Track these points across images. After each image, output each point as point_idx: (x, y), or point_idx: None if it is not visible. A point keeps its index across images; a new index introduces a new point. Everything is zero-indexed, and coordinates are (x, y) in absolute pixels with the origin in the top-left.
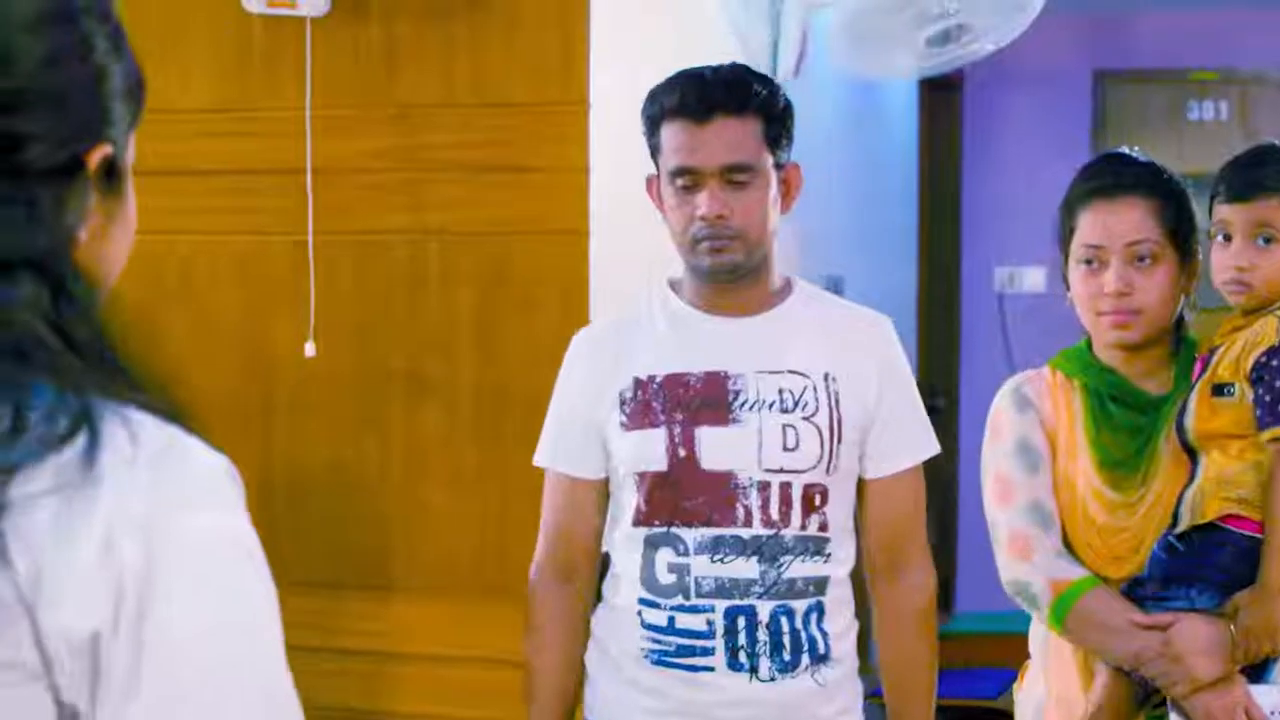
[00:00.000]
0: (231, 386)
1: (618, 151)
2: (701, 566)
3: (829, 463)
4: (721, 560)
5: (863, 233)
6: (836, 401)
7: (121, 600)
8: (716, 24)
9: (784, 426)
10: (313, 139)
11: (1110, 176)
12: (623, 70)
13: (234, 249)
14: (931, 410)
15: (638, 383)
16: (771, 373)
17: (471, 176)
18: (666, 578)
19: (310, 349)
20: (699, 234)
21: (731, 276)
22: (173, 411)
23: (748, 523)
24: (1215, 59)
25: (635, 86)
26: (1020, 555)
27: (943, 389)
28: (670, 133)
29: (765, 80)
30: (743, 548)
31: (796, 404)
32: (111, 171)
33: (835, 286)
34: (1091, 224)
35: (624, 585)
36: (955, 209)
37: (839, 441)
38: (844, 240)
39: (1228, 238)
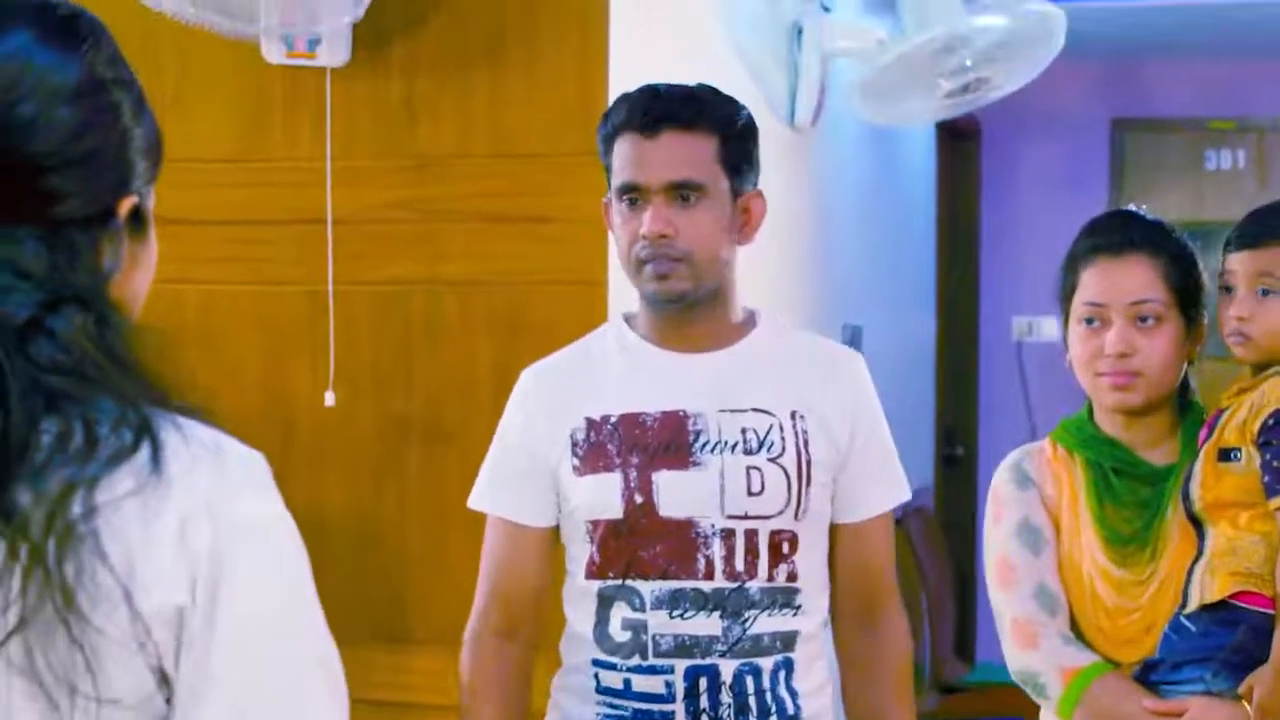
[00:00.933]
0: (250, 435)
1: None
2: (659, 623)
3: (797, 507)
4: (681, 616)
5: (881, 282)
6: (805, 442)
7: (196, 578)
8: (735, 73)
9: (748, 469)
10: (332, 189)
11: (1117, 233)
12: None
13: (252, 298)
14: (950, 459)
15: (590, 423)
16: (734, 411)
17: (490, 227)
18: (621, 635)
19: (330, 398)
20: (642, 254)
21: (680, 306)
22: (205, 415)
23: (709, 574)
24: (1232, 108)
25: None
26: (1027, 644)
27: (961, 438)
28: (619, 148)
29: (726, 99)
30: (704, 602)
31: (761, 444)
32: (137, 218)
33: (854, 335)
34: (1094, 281)
35: (578, 645)
36: (973, 258)
37: (808, 484)
38: (862, 289)
39: (1229, 289)
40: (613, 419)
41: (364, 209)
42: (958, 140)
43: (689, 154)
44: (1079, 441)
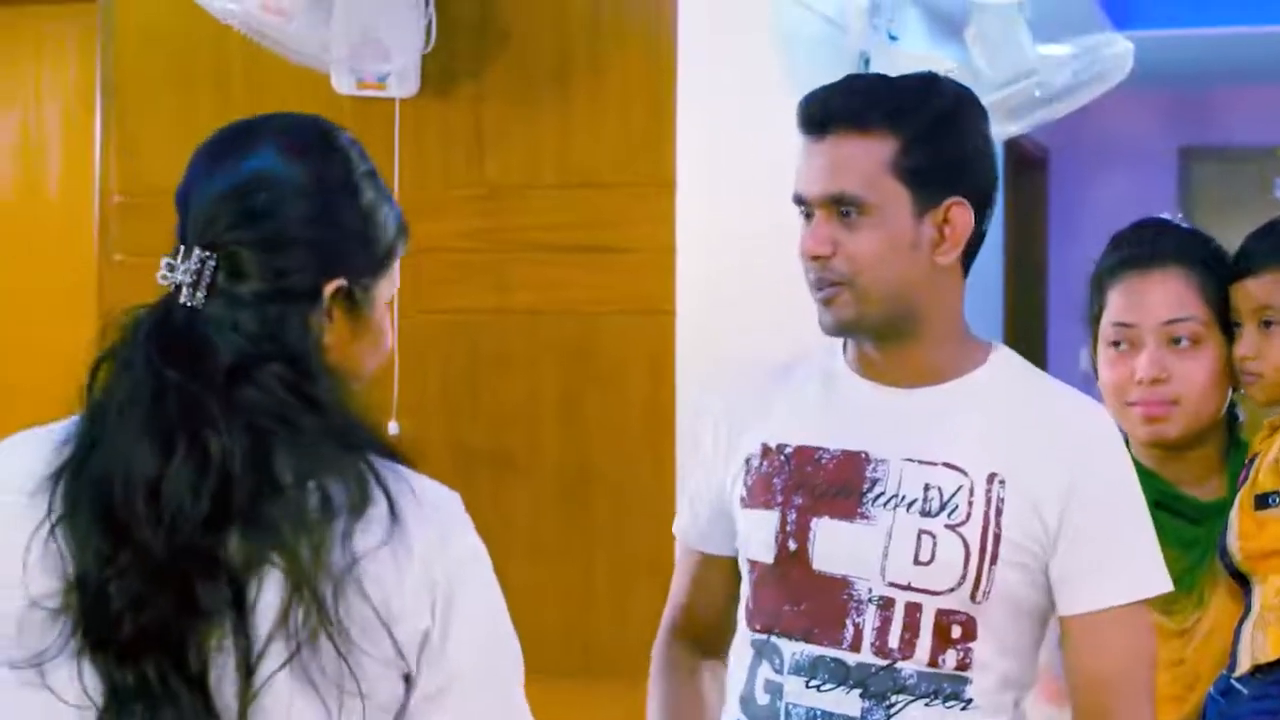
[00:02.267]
0: None
1: (704, 231)
2: (794, 691)
3: (975, 586)
4: (818, 687)
5: None
6: (998, 510)
7: (435, 605)
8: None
9: (920, 532)
10: None
11: (1144, 245)
12: (709, 151)
13: None
14: None
15: (765, 450)
16: (921, 463)
17: (558, 256)
18: (762, 698)
19: (394, 427)
20: (808, 275)
21: (852, 334)
22: (405, 458)
23: (855, 646)
24: None
25: (721, 167)
26: (1052, 697)
27: None
28: (798, 150)
29: (926, 91)
30: (844, 675)
31: (942, 507)
32: (350, 298)
33: None
34: (1122, 300)
35: (730, 698)
36: (1041, 288)
37: (992, 562)
38: None
39: (1237, 324)
40: (788, 449)
41: (432, 238)
42: (1025, 170)
43: (853, 161)
44: None
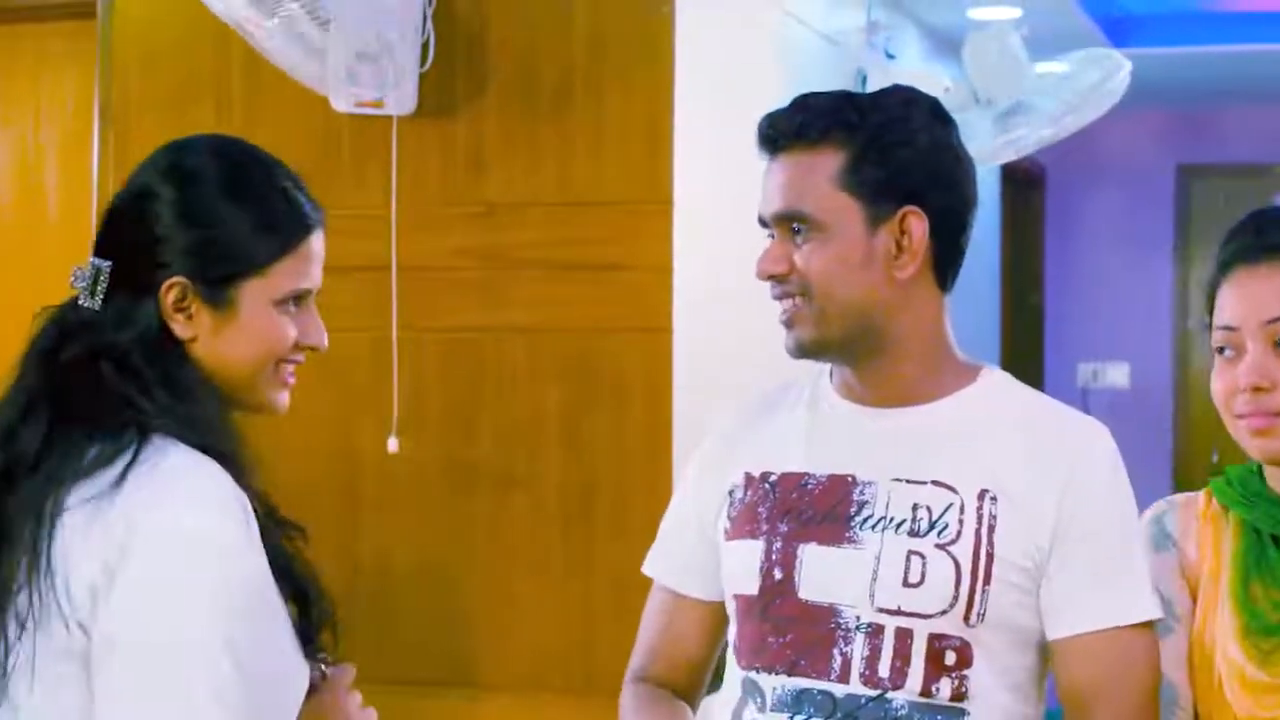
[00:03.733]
0: (315, 479)
1: (702, 250)
2: None
3: (968, 608)
4: None
5: None
6: (990, 528)
7: (108, 562)
8: None
9: (909, 554)
10: (398, 236)
11: (1253, 235)
12: (707, 170)
13: None
14: None
15: (749, 479)
16: (910, 482)
17: (556, 274)
18: None
19: (393, 444)
20: (771, 294)
21: (817, 356)
22: (223, 451)
23: (843, 677)
24: None
25: (719, 186)
26: None
27: None
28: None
29: (872, 100)
30: (831, 709)
31: (932, 526)
32: (198, 294)
33: None
34: (1228, 300)
35: None
36: (1038, 304)
37: (986, 582)
38: None
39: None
40: (773, 477)
41: (430, 256)
42: (1023, 186)
43: (801, 177)
44: (1238, 497)
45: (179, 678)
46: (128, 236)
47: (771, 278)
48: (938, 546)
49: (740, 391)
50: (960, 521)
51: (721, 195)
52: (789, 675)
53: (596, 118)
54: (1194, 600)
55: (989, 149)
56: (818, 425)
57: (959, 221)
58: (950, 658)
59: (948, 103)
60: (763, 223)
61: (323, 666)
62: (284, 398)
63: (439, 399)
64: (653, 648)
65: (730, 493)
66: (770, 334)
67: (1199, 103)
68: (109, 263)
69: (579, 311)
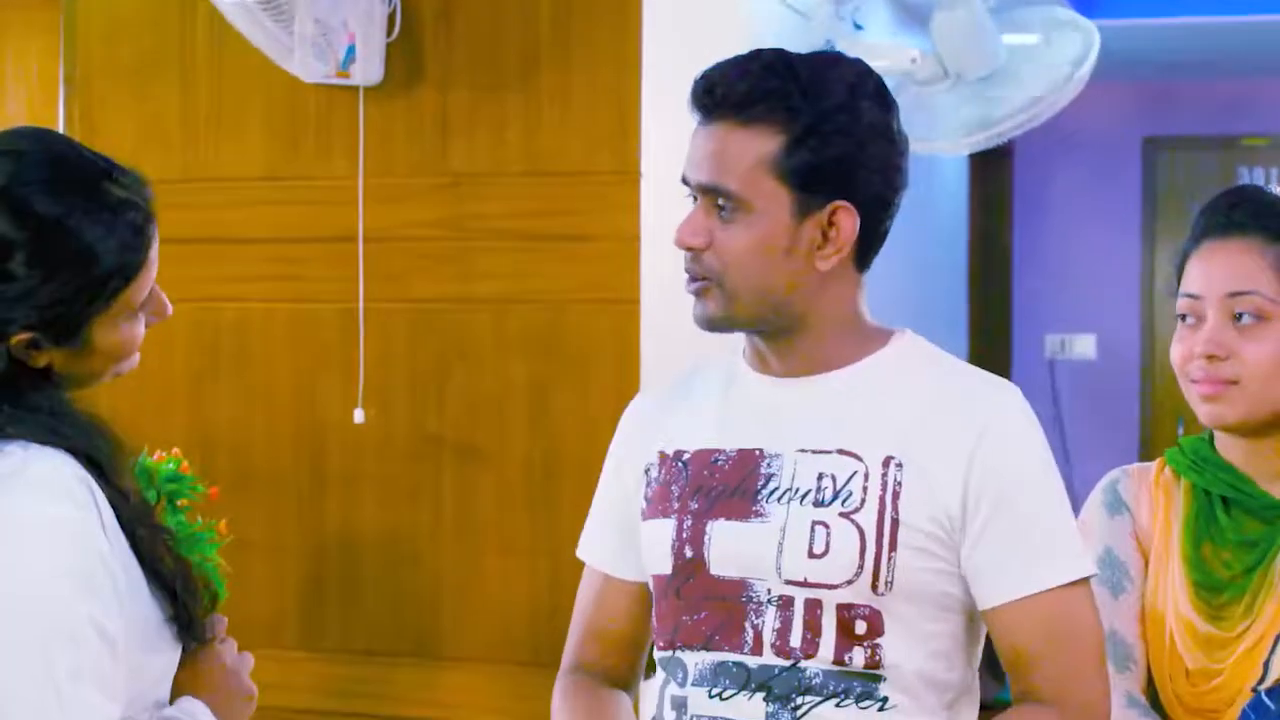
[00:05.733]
0: (282, 450)
1: (670, 221)
2: (698, 703)
3: (875, 577)
4: (719, 696)
5: (911, 300)
6: (895, 495)
7: None
8: None
9: (813, 524)
10: (365, 207)
11: (1220, 214)
12: (675, 140)
13: (286, 316)
14: None
15: (662, 458)
16: (815, 452)
17: (523, 245)
18: (669, 716)
19: (359, 415)
20: (684, 264)
21: (724, 330)
22: (88, 454)
23: (756, 649)
24: (1265, 125)
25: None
26: None
27: None
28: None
29: (817, 80)
30: (745, 680)
31: (836, 495)
32: (36, 344)
33: None
34: (1193, 270)
35: None
36: (1006, 275)
37: (891, 549)
38: (893, 307)
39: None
40: (685, 455)
41: (397, 227)
42: (990, 159)
43: (733, 155)
44: (1189, 464)
45: (43, 665)
46: None
47: (689, 249)
48: (841, 515)
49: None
50: (864, 489)
51: None
52: (706, 650)
53: (564, 88)
54: (1146, 561)
55: (961, 131)
56: (730, 401)
57: (888, 210)
58: (860, 627)
59: (916, 74)
60: (685, 183)
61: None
62: (135, 360)
63: (405, 370)
64: (587, 632)
65: (646, 472)
66: None
67: (1164, 75)
68: None
69: (546, 283)
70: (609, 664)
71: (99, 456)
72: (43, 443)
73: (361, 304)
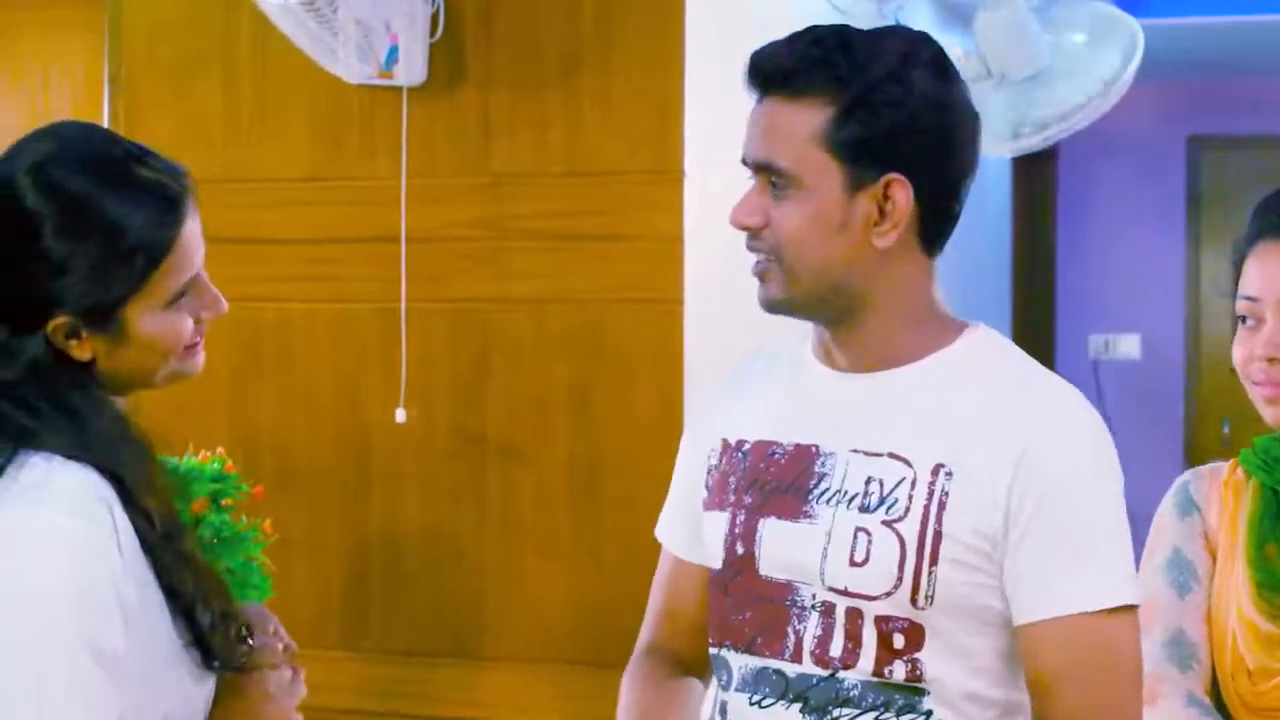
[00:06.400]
0: (325, 451)
1: (712, 220)
2: (738, 708)
3: (914, 590)
4: (759, 704)
5: (954, 301)
6: (940, 505)
7: None
8: None
9: (856, 530)
10: (407, 207)
11: (1275, 214)
12: (717, 139)
13: (328, 316)
14: None
15: (725, 447)
16: (868, 454)
17: (566, 245)
18: (715, 718)
19: (401, 415)
20: (745, 245)
21: (787, 313)
22: (114, 470)
23: (796, 656)
24: None
25: (730, 155)
26: (1147, 700)
27: None
28: None
29: (868, 50)
30: (784, 689)
31: (881, 501)
32: (89, 326)
33: None
34: (1251, 271)
35: None
36: (1049, 276)
37: (932, 562)
38: None
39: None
40: (746, 445)
41: (439, 227)
42: (1033, 159)
43: (783, 130)
44: (1260, 463)
45: (32, 676)
46: (8, 265)
47: (745, 228)
48: (884, 523)
49: None
50: (910, 497)
51: (732, 164)
52: (749, 653)
53: (605, 87)
54: (1215, 561)
55: (1007, 134)
56: (794, 391)
57: (952, 189)
58: (899, 640)
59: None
60: (744, 163)
61: (245, 647)
62: (198, 363)
63: (447, 370)
64: (658, 613)
65: (709, 458)
66: None
67: (1208, 74)
68: None
69: (588, 283)
70: (679, 645)
71: (124, 474)
72: (69, 457)
73: (404, 304)
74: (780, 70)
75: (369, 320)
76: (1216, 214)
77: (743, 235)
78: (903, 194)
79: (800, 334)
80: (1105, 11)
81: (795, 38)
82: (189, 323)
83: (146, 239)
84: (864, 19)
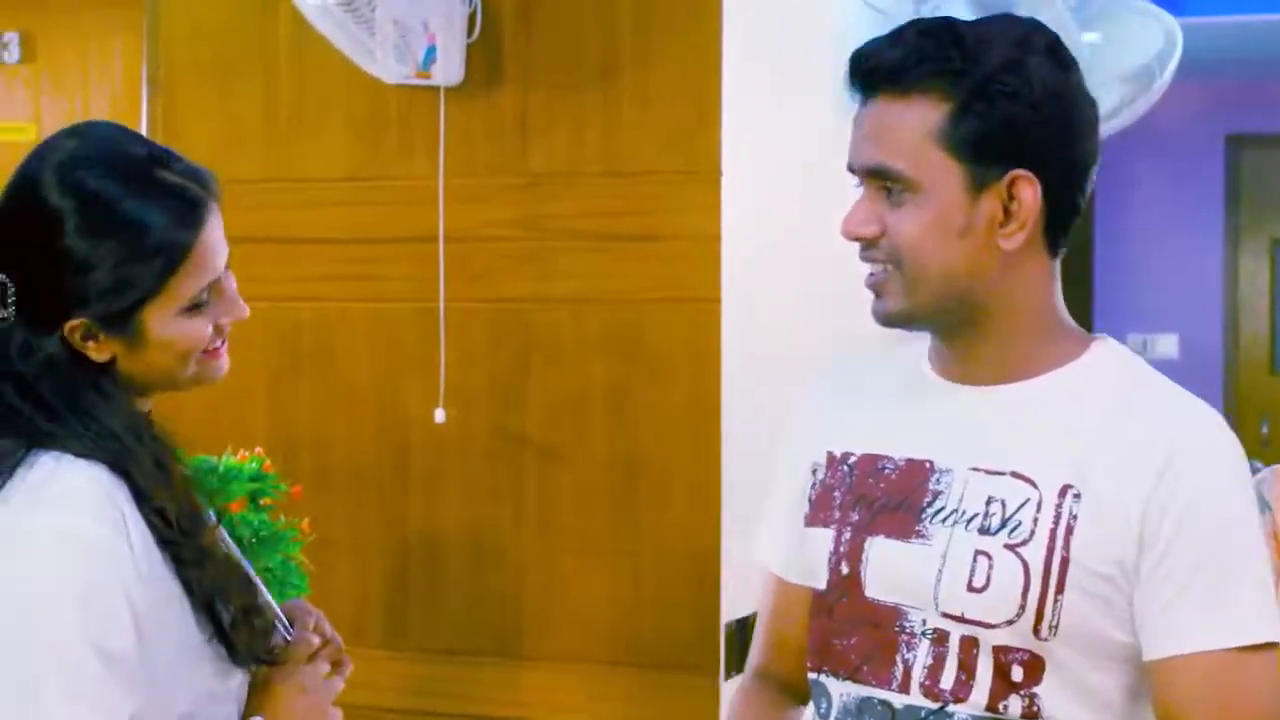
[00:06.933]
0: (364, 452)
1: (750, 219)
2: None
3: (1038, 619)
4: None
5: None
6: (1068, 529)
7: None
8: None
9: (975, 553)
10: (445, 207)
11: None
12: (755, 138)
13: (366, 316)
14: None
15: (830, 459)
16: (988, 472)
17: (603, 245)
18: None
19: (440, 415)
20: (859, 256)
21: (905, 327)
22: (126, 468)
23: (904, 686)
24: None
25: (768, 154)
26: None
27: None
28: None
29: (983, 40)
30: None
31: (1004, 524)
32: (91, 333)
33: None
34: None
35: None
36: (1087, 276)
37: (1059, 590)
38: None
39: None
40: (852, 458)
41: (477, 227)
42: None
43: (895, 130)
44: None
45: (31, 677)
46: (29, 263)
47: (859, 239)
48: (1007, 547)
49: (790, 364)
50: (1035, 520)
51: (770, 163)
52: (853, 681)
53: (643, 87)
54: None
55: None
56: (905, 402)
57: (1077, 182)
58: (1017, 673)
59: None
60: (851, 171)
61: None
62: (220, 367)
63: (485, 370)
64: (765, 637)
65: (814, 471)
66: (821, 305)
67: (1246, 73)
68: (9, 281)
69: (625, 283)
70: (787, 670)
71: (135, 472)
72: (79, 455)
73: (442, 304)
74: (887, 67)
75: (408, 320)
76: (1255, 213)
77: (779, 233)
78: (1029, 191)
79: (905, 340)
80: (1144, 10)
81: (899, 33)
82: (208, 327)
83: (165, 242)
84: (901, 18)
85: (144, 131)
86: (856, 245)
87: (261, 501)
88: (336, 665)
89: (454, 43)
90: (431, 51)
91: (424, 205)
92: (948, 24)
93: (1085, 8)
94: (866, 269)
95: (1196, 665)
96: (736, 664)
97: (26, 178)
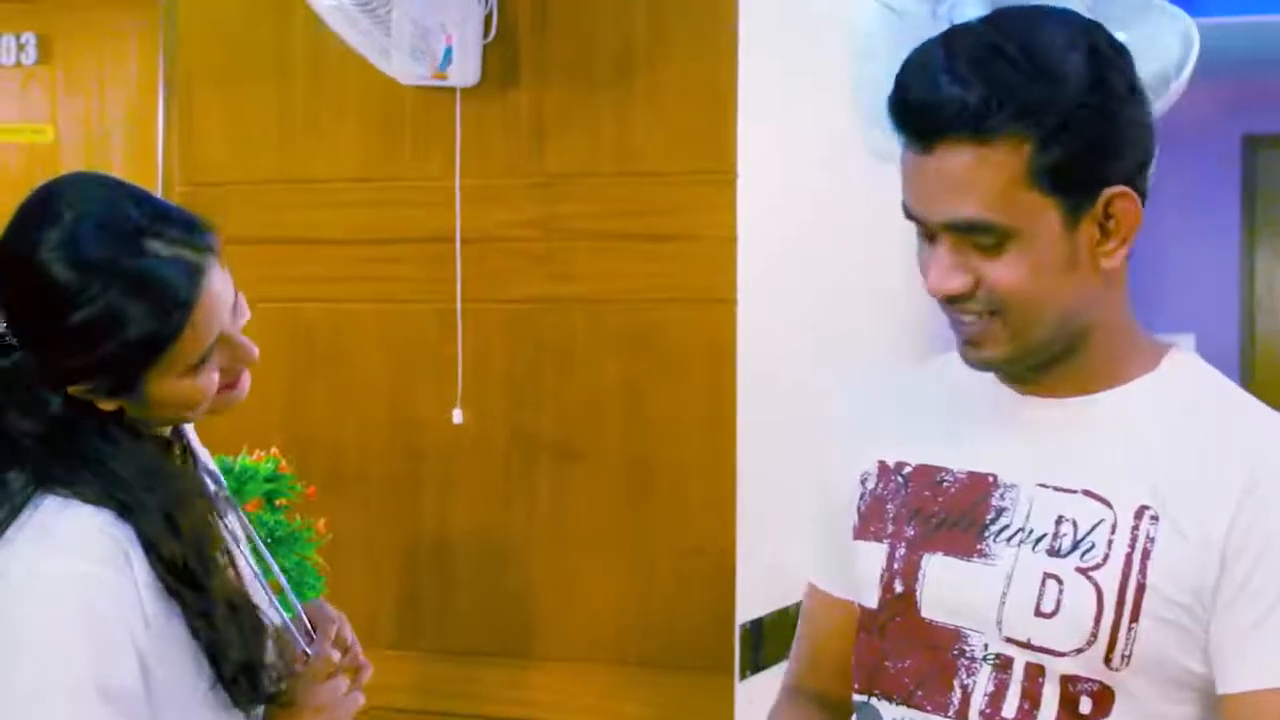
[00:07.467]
0: (381, 452)
1: (766, 220)
2: None
3: (1110, 648)
4: None
5: None
6: (1145, 553)
7: None
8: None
9: (1045, 576)
10: (461, 208)
11: None
12: (771, 139)
13: (381, 317)
14: None
15: (882, 469)
16: (1058, 490)
17: (619, 245)
18: None
19: (458, 416)
20: (944, 311)
21: (1010, 370)
22: (116, 503)
23: (962, 713)
24: None
25: (784, 155)
26: None
27: None
28: (902, 157)
29: (1052, 64)
30: None
31: (1075, 546)
32: (105, 396)
33: None
34: None
35: None
36: None
37: (1133, 619)
38: None
39: None
40: (907, 469)
41: (492, 228)
42: None
43: (976, 178)
44: None
45: (30, 713)
46: (32, 326)
47: (953, 297)
48: (1079, 570)
49: (805, 365)
50: (1110, 543)
51: (786, 164)
52: (906, 706)
53: (658, 88)
54: None
55: None
56: (966, 410)
57: (1147, 179)
58: (1086, 704)
59: None
60: (911, 217)
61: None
62: (238, 396)
63: (500, 371)
64: (804, 652)
65: (863, 481)
66: (837, 305)
67: (1264, 72)
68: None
69: (640, 283)
70: (826, 687)
71: (143, 523)
72: (86, 500)
73: (459, 304)
74: (956, 115)
75: (423, 320)
76: (1272, 213)
77: (794, 234)
78: (1126, 205)
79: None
80: (1161, 9)
81: (950, 69)
82: (214, 378)
83: (160, 322)
84: (917, 19)
85: (160, 132)
86: (871, 245)
87: (277, 502)
88: (355, 673)
89: (470, 43)
90: (448, 52)
91: (439, 206)
92: (996, 46)
93: (1104, 8)
94: (956, 315)
95: (1274, 702)
96: (751, 665)
97: (22, 255)
